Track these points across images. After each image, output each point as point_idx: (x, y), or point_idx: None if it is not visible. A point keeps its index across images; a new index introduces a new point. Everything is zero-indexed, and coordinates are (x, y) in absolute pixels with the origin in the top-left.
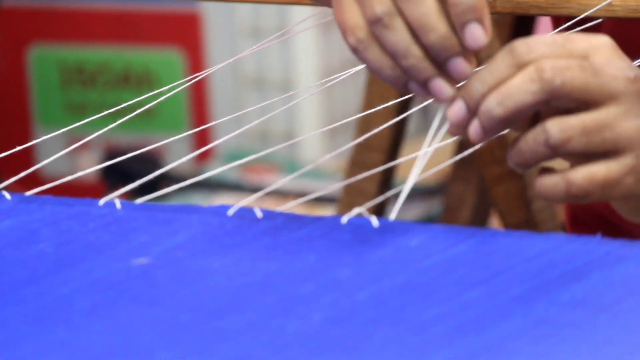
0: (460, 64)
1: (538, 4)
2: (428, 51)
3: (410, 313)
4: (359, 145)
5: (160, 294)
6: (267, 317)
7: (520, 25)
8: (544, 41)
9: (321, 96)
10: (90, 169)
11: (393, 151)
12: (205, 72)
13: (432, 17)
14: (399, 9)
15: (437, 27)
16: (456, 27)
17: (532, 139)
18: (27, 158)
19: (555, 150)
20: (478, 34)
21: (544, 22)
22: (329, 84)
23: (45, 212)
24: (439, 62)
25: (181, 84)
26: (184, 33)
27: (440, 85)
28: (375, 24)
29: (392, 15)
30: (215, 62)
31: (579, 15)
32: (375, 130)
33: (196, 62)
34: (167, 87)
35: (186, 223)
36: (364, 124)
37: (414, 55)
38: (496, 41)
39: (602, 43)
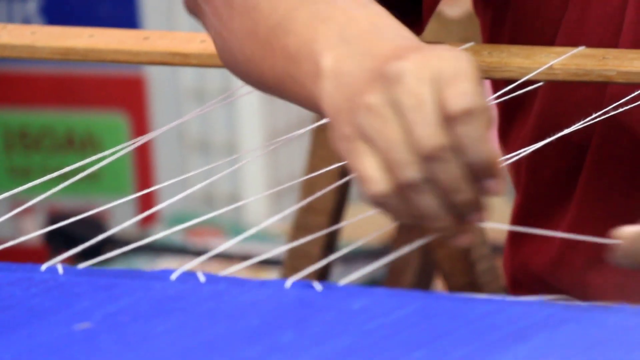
0: (477, 217)
1: (479, 67)
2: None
3: None
4: (303, 209)
5: (103, 358)
6: None
7: None
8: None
9: (266, 159)
10: (33, 233)
11: (337, 214)
12: (149, 136)
13: (461, 181)
14: (429, 173)
15: (464, 190)
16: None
17: None
18: None
19: None
20: (494, 187)
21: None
22: (273, 147)
23: None
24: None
25: (125, 147)
26: (128, 96)
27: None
28: (406, 188)
29: (422, 181)
30: (159, 125)
31: (519, 79)
32: (320, 193)
33: (140, 126)
34: (111, 151)
35: (129, 288)
36: (308, 187)
37: (443, 219)
38: None
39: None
